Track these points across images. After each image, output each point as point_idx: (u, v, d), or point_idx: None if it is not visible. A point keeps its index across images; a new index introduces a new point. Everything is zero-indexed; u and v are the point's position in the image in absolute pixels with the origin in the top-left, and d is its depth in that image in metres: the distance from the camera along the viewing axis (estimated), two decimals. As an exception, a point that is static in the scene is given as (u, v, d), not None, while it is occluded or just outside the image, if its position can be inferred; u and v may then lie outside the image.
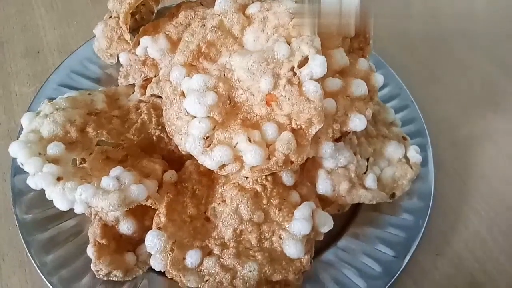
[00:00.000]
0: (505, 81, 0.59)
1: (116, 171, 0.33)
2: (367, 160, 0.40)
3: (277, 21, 0.33)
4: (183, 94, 0.33)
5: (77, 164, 0.34)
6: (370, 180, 0.38)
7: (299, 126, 0.31)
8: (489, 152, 0.52)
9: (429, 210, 0.42)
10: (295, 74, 0.31)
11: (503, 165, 0.51)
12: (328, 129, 0.33)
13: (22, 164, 0.33)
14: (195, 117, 0.31)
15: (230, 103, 0.32)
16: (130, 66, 0.42)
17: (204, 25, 0.34)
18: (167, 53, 0.38)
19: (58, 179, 0.32)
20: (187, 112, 0.32)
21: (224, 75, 0.32)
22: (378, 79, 0.35)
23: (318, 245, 0.37)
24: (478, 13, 0.67)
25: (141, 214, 0.36)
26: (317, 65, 0.30)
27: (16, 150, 0.33)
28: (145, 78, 0.41)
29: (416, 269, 0.41)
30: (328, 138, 0.33)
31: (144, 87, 0.40)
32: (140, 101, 0.41)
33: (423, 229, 0.40)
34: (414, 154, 0.42)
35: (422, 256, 0.42)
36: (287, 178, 0.36)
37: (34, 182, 0.32)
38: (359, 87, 0.34)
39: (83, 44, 0.50)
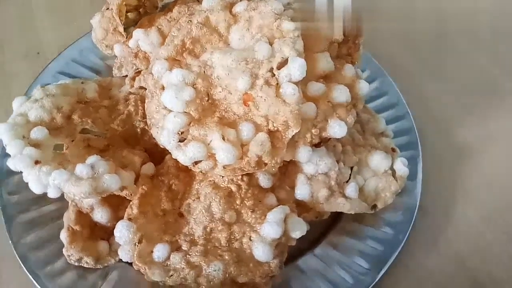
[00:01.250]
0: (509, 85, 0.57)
1: (91, 159, 0.33)
2: (351, 169, 0.39)
3: (261, 21, 0.32)
4: (163, 88, 0.33)
5: (64, 150, 0.35)
6: (350, 189, 0.37)
7: (276, 128, 0.31)
8: (488, 158, 0.50)
9: (411, 225, 0.40)
10: (273, 75, 0.31)
11: (504, 170, 0.49)
12: (306, 133, 0.32)
13: (5, 146, 0.34)
14: (171, 111, 0.31)
15: (208, 100, 0.32)
16: (124, 58, 0.43)
17: (191, 21, 0.34)
18: (158, 46, 0.38)
19: (36, 162, 0.32)
20: (165, 106, 0.32)
21: (204, 71, 0.32)
22: (363, 86, 0.34)
23: (294, 251, 0.37)
24: (481, 11, 0.64)
25: (116, 204, 0.36)
26: (295, 68, 0.30)
27: (2, 131, 0.34)
28: (137, 70, 0.42)
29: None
30: (306, 143, 0.33)
31: (134, 79, 0.41)
32: (130, 93, 0.41)
33: (402, 244, 0.39)
34: (401, 166, 0.41)
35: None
36: (264, 181, 0.35)
37: (13, 163, 0.33)
38: (341, 93, 0.33)
39: (85, 34, 0.50)
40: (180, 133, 0.31)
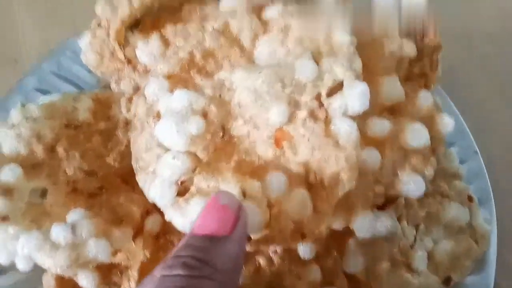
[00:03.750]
0: None
1: (74, 215, 0.27)
2: (416, 227, 0.32)
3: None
4: (159, 116, 0.25)
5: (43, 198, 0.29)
6: (418, 259, 0.30)
7: (319, 182, 0.23)
8: None
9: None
10: (322, 105, 0.24)
11: None
12: (367, 192, 0.24)
13: None
14: (169, 150, 0.24)
15: (223, 137, 0.24)
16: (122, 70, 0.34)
17: (204, 27, 0.26)
18: (160, 59, 0.30)
19: (3, 219, 0.26)
20: (159, 142, 0.24)
21: (220, 95, 0.25)
22: (447, 122, 0.26)
23: None
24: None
25: (107, 266, 0.29)
26: (355, 96, 0.23)
27: None
28: (136, 87, 0.33)
29: None
30: (366, 206, 0.24)
31: (131, 101, 0.32)
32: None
33: None
34: (481, 222, 0.34)
35: None
36: (304, 250, 0.27)
37: None
38: (417, 134, 0.25)
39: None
40: (180, 183, 0.23)
